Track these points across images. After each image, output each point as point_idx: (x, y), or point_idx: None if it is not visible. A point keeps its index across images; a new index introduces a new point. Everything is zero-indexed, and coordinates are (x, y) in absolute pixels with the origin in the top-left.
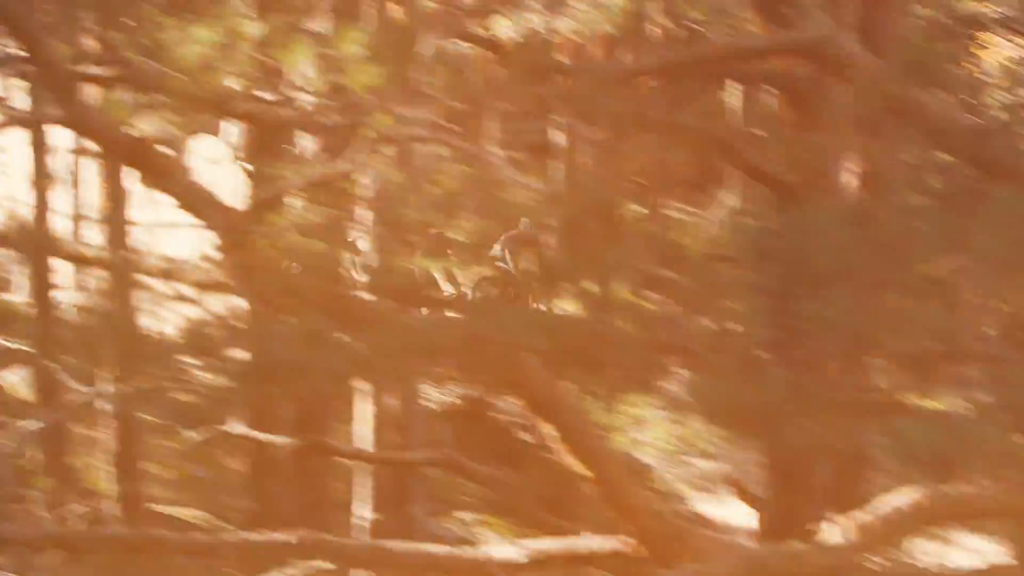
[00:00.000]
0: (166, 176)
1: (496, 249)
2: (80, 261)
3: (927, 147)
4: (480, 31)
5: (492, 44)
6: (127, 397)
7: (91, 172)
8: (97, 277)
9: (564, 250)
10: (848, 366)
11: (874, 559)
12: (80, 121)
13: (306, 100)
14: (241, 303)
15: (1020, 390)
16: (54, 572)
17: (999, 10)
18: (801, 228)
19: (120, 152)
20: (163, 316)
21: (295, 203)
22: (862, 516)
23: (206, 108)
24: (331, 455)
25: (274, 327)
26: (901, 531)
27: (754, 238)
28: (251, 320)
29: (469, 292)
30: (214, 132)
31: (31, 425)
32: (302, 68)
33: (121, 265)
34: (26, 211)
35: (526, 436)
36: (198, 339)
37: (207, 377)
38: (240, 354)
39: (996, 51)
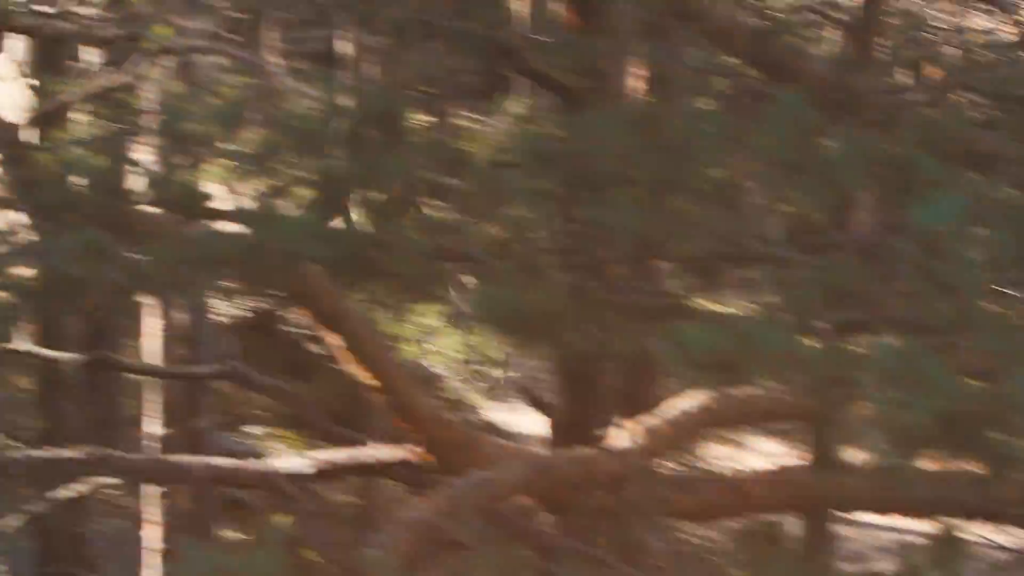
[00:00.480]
0: None
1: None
2: None
3: (711, 50)
4: None
5: None
6: None
7: None
8: None
9: (348, 159)
10: (633, 271)
11: (664, 463)
12: None
13: (86, 13)
14: (22, 218)
15: (804, 292)
16: None
17: None
18: (584, 133)
19: None
20: None
21: (77, 117)
22: (651, 420)
23: None
24: (120, 371)
25: (56, 242)
26: (690, 435)
27: (538, 144)
28: (33, 235)
29: (251, 203)
30: None
31: None
32: None
33: None
34: None
35: (315, 348)
36: None
37: None
38: (23, 270)
39: None
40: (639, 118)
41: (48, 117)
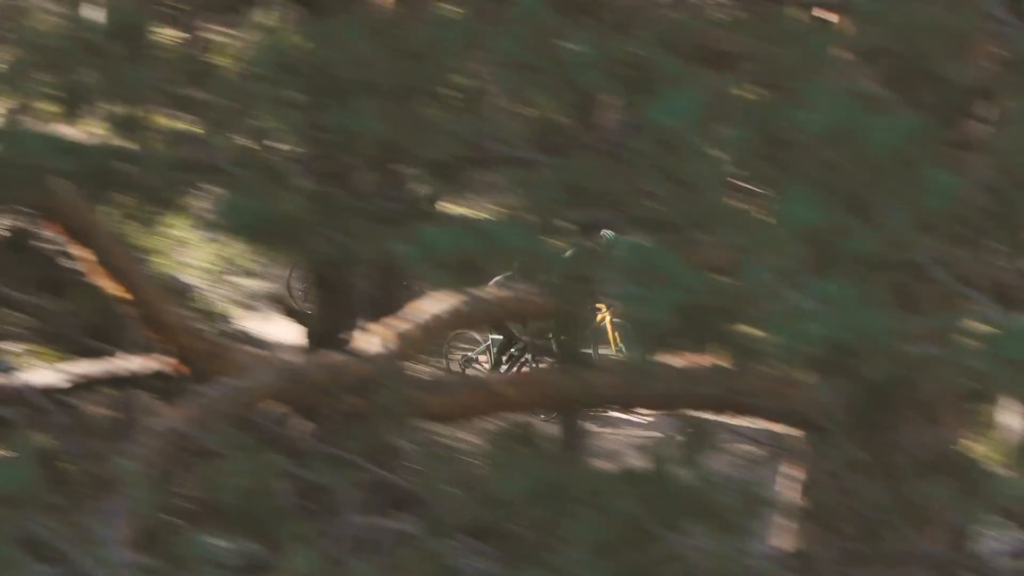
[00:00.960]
0: None
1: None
2: None
3: None
4: None
5: None
6: None
7: None
8: None
9: (91, 73)
10: (376, 176)
11: (416, 366)
12: None
13: None
14: None
15: (545, 192)
16: None
17: None
18: (328, 41)
19: None
20: None
21: None
22: (400, 324)
23: None
24: None
25: None
26: (441, 337)
27: (283, 54)
28: None
29: None
30: None
31: None
32: None
33: None
34: None
35: (68, 263)
36: None
37: None
38: None
39: None
40: (382, 25)
41: None
